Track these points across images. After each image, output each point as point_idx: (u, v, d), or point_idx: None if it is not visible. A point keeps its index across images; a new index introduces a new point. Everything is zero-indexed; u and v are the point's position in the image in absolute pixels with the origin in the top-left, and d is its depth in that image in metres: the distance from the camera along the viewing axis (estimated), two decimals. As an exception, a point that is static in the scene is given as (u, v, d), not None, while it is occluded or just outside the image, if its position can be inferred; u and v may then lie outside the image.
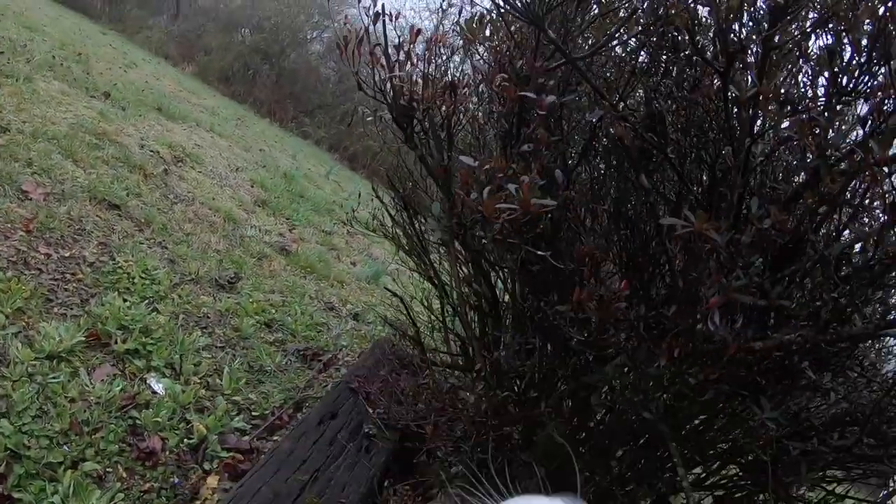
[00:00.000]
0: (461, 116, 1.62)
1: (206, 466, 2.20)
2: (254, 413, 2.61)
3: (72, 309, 2.79)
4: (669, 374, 1.37)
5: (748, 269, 1.11)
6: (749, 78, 1.20)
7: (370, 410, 2.57)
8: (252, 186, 6.31)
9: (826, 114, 1.15)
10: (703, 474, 2.06)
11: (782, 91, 1.18)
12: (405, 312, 2.74)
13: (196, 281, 3.56)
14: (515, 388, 1.94)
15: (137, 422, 2.26)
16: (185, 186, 5.13)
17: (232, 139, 8.00)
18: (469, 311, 2.25)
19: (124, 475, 2.03)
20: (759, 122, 1.28)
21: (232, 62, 12.51)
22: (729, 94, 1.26)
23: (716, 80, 1.38)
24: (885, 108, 1.09)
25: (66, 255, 3.20)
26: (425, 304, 2.77)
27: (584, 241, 1.39)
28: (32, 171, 3.77)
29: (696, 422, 1.82)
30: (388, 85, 1.60)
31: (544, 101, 1.26)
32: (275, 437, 2.46)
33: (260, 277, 4.06)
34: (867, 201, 1.38)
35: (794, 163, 1.35)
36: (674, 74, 1.59)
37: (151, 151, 5.47)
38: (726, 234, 1.08)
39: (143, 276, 3.27)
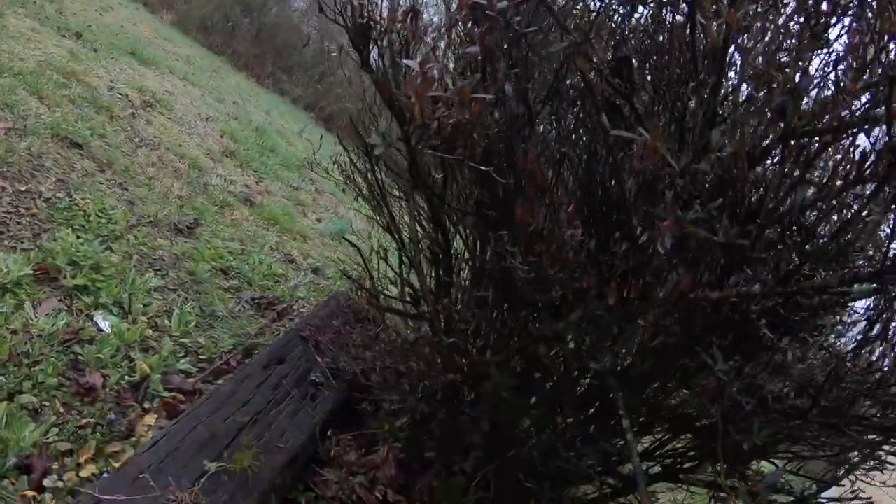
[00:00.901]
0: (421, 45, 1.52)
1: (146, 405, 2.11)
2: (201, 356, 2.53)
3: (23, 242, 2.66)
4: (619, 317, 1.31)
5: (706, 204, 1.04)
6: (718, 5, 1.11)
7: (319, 359, 2.50)
8: (221, 137, 6.11)
9: (796, 50, 1.08)
10: (654, 445, 2.04)
11: (753, 20, 1.10)
12: (363, 265, 2.66)
13: (154, 224, 3.43)
14: (465, 337, 1.87)
15: (80, 357, 2.16)
16: (152, 131, 4.94)
17: (205, 89, 7.73)
18: (424, 262, 2.18)
19: (61, 409, 1.94)
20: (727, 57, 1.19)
21: (212, 12, 12.05)
22: (696, 22, 1.17)
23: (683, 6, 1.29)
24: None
25: (22, 189, 3.05)
26: (381, 254, 2.68)
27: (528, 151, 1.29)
28: (-5, 105, 3.59)
29: (649, 387, 1.77)
30: (349, 7, 1.50)
31: (495, 5, 1.15)
32: (220, 382, 2.38)
33: (221, 225, 3.93)
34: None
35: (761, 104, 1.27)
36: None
37: (120, 94, 5.24)
38: (684, 158, 1.02)
39: (100, 214, 3.14)
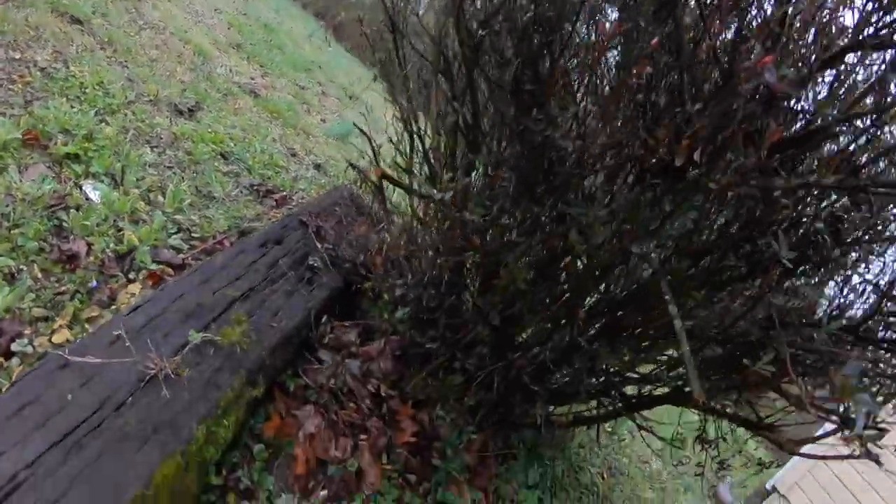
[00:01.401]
0: None
1: (131, 276, 1.94)
2: (194, 234, 2.34)
3: (13, 108, 2.43)
4: (674, 191, 1.12)
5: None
6: None
7: (318, 245, 2.32)
8: (229, 28, 5.76)
9: None
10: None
11: None
12: (372, 156, 2.43)
13: (154, 102, 3.19)
14: (485, 216, 1.68)
15: (64, 224, 1.98)
16: (158, 15, 4.61)
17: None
18: (444, 138, 1.96)
19: (39, 275, 1.77)
20: None
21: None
22: None
23: None
24: None
25: (17, 56, 2.81)
26: (392, 141, 2.45)
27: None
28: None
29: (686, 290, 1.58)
30: None
31: None
32: (209, 257, 2.22)
33: (223, 112, 3.69)
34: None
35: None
36: None
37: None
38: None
39: (97, 87, 2.90)
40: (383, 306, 2.13)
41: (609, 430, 2.71)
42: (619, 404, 2.04)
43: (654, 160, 1.13)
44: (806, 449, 1.41)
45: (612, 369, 1.85)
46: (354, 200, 2.93)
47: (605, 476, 3.02)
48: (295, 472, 1.70)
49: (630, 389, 2.02)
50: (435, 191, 1.78)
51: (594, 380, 1.91)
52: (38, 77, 2.73)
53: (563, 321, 1.70)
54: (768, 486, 4.89)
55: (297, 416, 1.78)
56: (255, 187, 2.97)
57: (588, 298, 1.75)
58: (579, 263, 1.65)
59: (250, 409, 1.66)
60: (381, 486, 1.84)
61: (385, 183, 1.94)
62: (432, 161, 1.98)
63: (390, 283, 2.06)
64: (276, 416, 1.77)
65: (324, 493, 1.73)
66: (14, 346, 1.51)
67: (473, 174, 1.80)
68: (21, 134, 2.26)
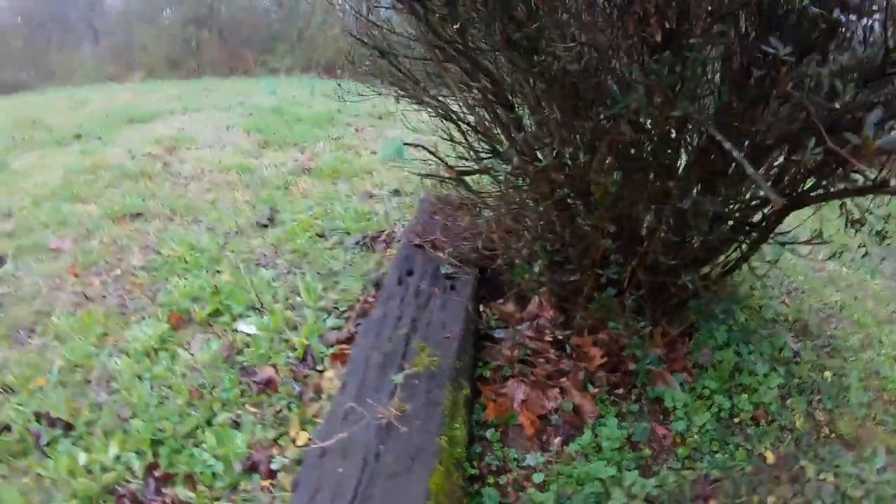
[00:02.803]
0: None
1: (319, 367, 2.24)
2: (341, 309, 2.63)
3: (145, 309, 2.83)
4: None
5: None
6: None
7: (441, 255, 2.54)
8: (249, 135, 6.19)
9: None
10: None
11: None
12: (434, 155, 2.61)
13: (240, 232, 3.56)
14: (555, 156, 1.83)
15: (244, 363, 2.31)
16: (190, 166, 5.08)
17: (208, 108, 7.83)
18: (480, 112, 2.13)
19: (254, 409, 2.10)
20: None
21: (171, 45, 12.06)
22: None
23: None
24: None
25: (118, 273, 3.24)
26: (447, 133, 2.62)
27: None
28: (51, 230, 3.81)
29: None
30: None
31: None
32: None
33: (294, 202, 4.03)
34: None
35: None
36: None
37: (143, 155, 5.40)
38: None
39: (192, 252, 3.28)
40: (519, 271, 2.30)
41: (768, 262, 2.73)
42: (755, 234, 2.10)
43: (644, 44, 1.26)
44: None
45: (726, 209, 1.95)
46: (442, 201, 3.12)
47: (787, 302, 3.03)
48: (526, 435, 1.94)
49: (755, 218, 2.09)
50: (501, 161, 1.96)
51: (718, 227, 1.99)
52: (144, 275, 3.14)
53: (661, 195, 1.81)
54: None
55: (505, 392, 2.02)
56: (360, 242, 3.24)
57: (669, 171, 1.85)
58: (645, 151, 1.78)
59: (468, 407, 1.91)
60: (597, 410, 2.04)
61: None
62: (483, 137, 2.15)
63: (514, 249, 2.23)
64: (489, 402, 2.01)
65: (557, 439, 1.96)
66: (273, 466, 1.82)
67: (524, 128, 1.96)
68: (167, 322, 2.64)
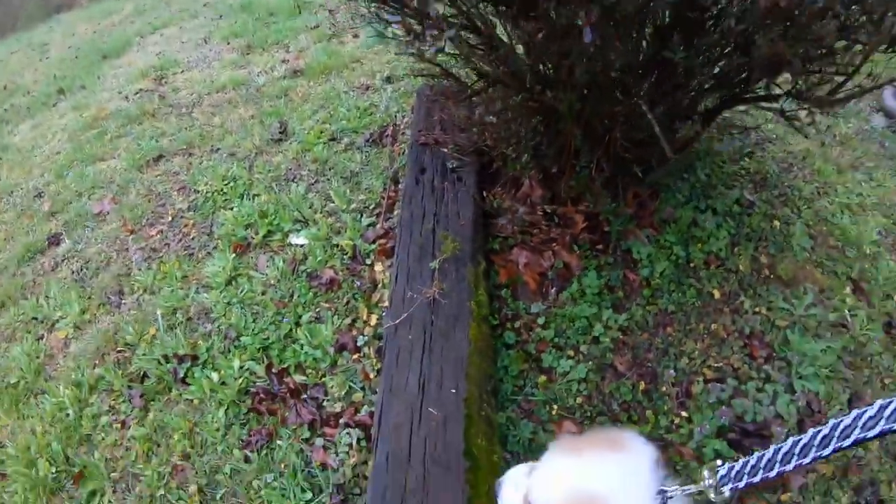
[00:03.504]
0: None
1: (367, 262, 2.89)
2: (370, 207, 3.23)
3: (207, 245, 3.45)
4: None
5: None
6: None
7: (445, 150, 3.06)
8: (229, 43, 6.47)
9: None
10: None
11: None
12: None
13: (259, 152, 4.09)
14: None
15: (308, 270, 2.97)
16: (185, 93, 5.46)
17: (175, 20, 8.00)
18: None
19: (327, 305, 2.79)
20: None
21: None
22: None
23: None
24: None
25: (169, 219, 3.79)
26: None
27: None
28: (87, 196, 4.37)
29: None
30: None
31: None
32: (395, 211, 3.08)
33: (297, 109, 4.50)
34: None
35: None
36: None
37: (136, 94, 5.77)
38: None
39: (225, 182, 3.84)
40: (511, 164, 2.84)
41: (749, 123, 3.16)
42: (735, 90, 2.43)
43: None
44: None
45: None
46: (436, 92, 3.57)
47: (751, 155, 3.47)
48: (530, 290, 2.65)
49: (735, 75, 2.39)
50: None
51: (695, 80, 2.38)
52: (193, 215, 3.74)
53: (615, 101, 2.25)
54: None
55: (512, 259, 2.70)
56: (370, 139, 3.77)
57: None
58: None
59: (486, 275, 2.62)
60: (582, 265, 2.70)
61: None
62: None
63: (504, 139, 2.76)
64: (501, 269, 2.71)
65: (553, 290, 2.67)
66: (358, 342, 2.62)
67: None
68: (232, 252, 3.26)
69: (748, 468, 1.11)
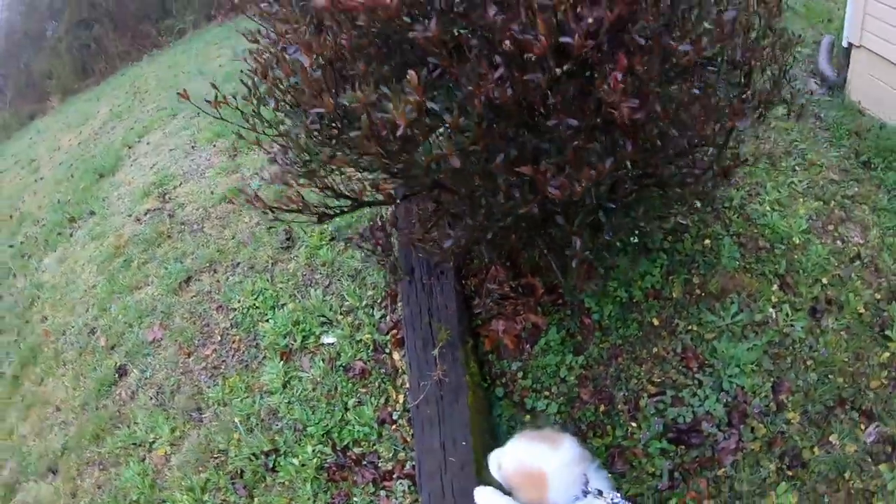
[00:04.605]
0: None
1: (387, 350, 4.11)
2: (378, 300, 4.40)
3: (258, 356, 4.62)
4: None
5: None
6: None
7: (426, 247, 4.20)
8: (215, 146, 7.43)
9: None
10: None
11: None
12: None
13: (274, 261, 5.21)
14: None
15: (342, 364, 4.15)
16: (191, 208, 6.45)
17: (156, 124, 8.92)
18: None
19: (363, 390, 3.98)
20: None
21: (70, 56, 13.02)
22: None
23: None
24: None
25: (218, 338, 4.91)
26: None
27: None
28: (137, 326, 5.52)
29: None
30: None
31: None
32: (398, 303, 4.25)
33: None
34: None
35: None
36: None
37: (146, 215, 6.69)
38: None
39: (254, 297, 4.97)
40: (476, 261, 4.00)
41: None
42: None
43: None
44: None
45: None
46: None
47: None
48: (510, 350, 3.83)
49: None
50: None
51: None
52: (238, 331, 4.90)
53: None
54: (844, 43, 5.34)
55: (492, 329, 3.88)
56: (364, 236, 4.91)
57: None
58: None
59: (475, 349, 3.84)
60: (545, 321, 3.83)
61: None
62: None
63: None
64: (485, 338, 3.91)
65: (527, 346, 3.82)
66: (394, 416, 3.73)
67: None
68: (280, 359, 4.42)
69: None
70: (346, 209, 3.18)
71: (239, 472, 3.99)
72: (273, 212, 3.04)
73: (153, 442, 4.49)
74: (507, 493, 2.53)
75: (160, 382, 4.86)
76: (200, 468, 4.13)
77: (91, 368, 5.35)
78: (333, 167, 2.84)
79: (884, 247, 4.11)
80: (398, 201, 3.46)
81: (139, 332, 5.36)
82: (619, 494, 2.41)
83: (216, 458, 4.13)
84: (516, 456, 2.46)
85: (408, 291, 4.01)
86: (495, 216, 2.76)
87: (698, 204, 3.30)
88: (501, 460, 2.50)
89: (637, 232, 3.52)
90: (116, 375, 5.14)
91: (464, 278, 4.18)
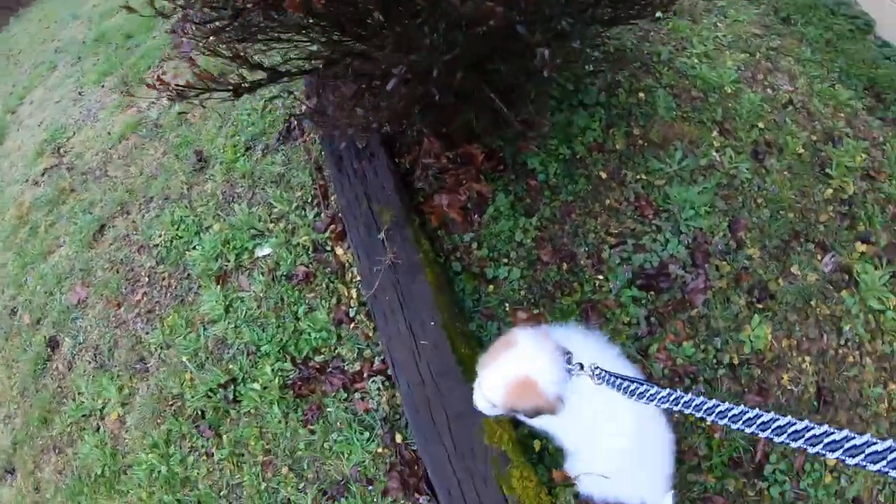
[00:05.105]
0: None
1: (328, 248, 3.80)
2: (308, 199, 4.08)
3: (192, 288, 4.30)
4: None
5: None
6: None
7: (350, 131, 3.86)
8: (103, 86, 7.01)
9: None
10: None
11: None
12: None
13: (189, 185, 4.85)
14: None
15: (284, 273, 3.86)
16: (90, 156, 6.09)
17: (37, 81, 8.47)
18: None
19: (312, 294, 3.71)
20: None
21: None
22: None
23: None
24: None
25: (146, 279, 4.62)
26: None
27: None
28: (60, 287, 5.14)
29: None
30: None
31: None
32: (331, 196, 3.95)
33: (201, 130, 5.22)
34: None
35: None
36: None
37: (42, 175, 6.36)
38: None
39: (175, 227, 4.62)
40: (408, 130, 3.69)
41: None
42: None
43: None
44: None
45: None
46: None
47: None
48: (458, 223, 3.58)
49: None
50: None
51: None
52: (165, 266, 4.56)
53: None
54: None
55: (436, 204, 3.61)
56: (281, 138, 4.55)
57: None
58: None
59: (422, 226, 3.57)
60: (490, 188, 3.62)
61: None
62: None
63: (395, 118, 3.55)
64: (431, 215, 3.65)
65: (476, 216, 3.60)
66: (350, 313, 3.47)
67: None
68: (217, 285, 4.11)
69: (610, 378, 1.99)
70: (263, 82, 2.97)
71: (199, 412, 3.72)
72: (181, 95, 2.82)
73: (103, 408, 4.20)
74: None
75: (95, 343, 4.55)
76: (159, 420, 3.86)
77: (21, 351, 5.03)
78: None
79: (813, 93, 4.36)
80: (320, 67, 3.15)
81: (61, 297, 5.04)
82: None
83: (172, 404, 3.86)
84: (495, 381, 2.20)
85: (340, 180, 3.70)
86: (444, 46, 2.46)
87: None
88: (486, 394, 2.24)
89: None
90: (48, 350, 4.83)
91: (397, 156, 3.89)
